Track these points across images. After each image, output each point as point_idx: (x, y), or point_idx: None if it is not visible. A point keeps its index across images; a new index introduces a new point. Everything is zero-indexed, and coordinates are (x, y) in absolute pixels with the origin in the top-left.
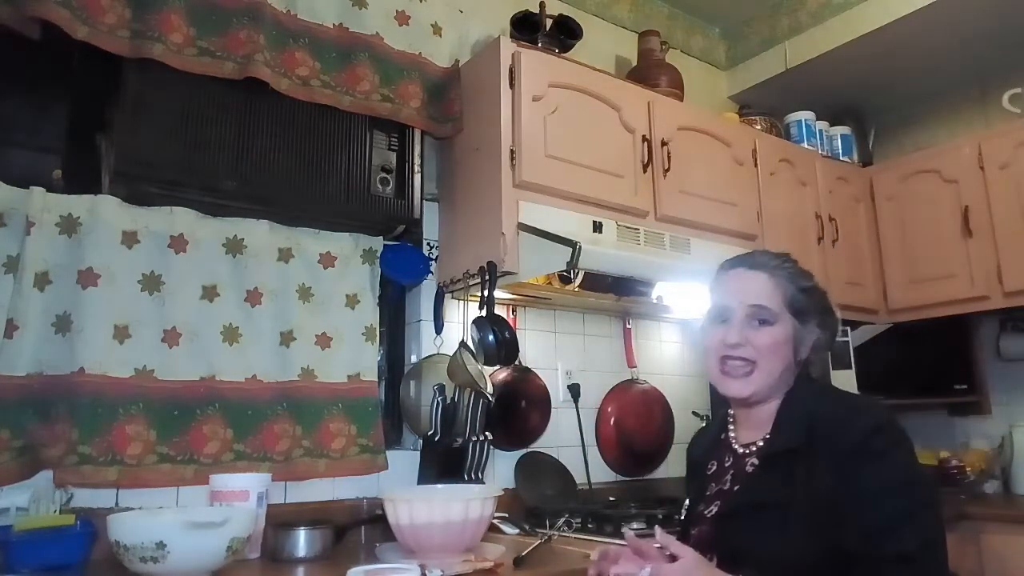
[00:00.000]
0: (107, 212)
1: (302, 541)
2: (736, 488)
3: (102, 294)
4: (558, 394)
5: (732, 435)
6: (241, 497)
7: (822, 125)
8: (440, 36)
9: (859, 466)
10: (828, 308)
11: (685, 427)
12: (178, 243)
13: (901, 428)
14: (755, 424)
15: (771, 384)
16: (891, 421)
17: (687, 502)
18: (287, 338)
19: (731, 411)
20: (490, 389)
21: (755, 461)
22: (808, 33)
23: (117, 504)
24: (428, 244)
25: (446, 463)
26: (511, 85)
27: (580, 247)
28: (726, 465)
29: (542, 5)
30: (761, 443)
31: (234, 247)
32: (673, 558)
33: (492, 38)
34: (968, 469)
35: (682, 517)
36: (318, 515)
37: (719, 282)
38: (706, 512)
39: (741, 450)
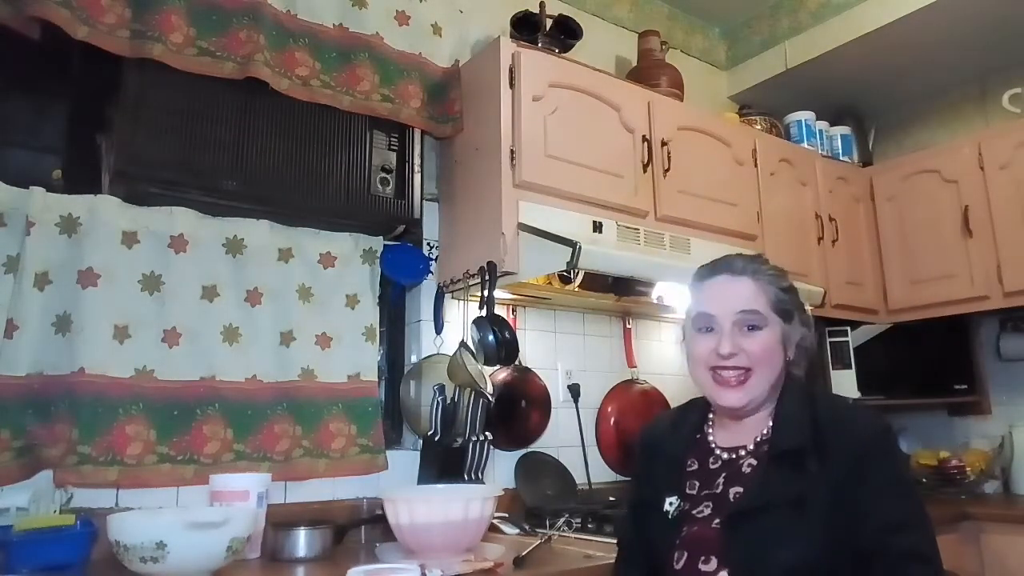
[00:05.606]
0: (107, 212)
1: (302, 541)
2: (737, 490)
3: (102, 294)
4: (558, 394)
5: (711, 437)
6: (241, 497)
7: (822, 125)
8: (440, 36)
9: (872, 465)
10: (803, 305)
11: None
12: (178, 243)
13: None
14: (741, 428)
15: (766, 390)
16: (890, 425)
17: (675, 499)
18: (287, 338)
19: (711, 414)
20: (490, 389)
21: (753, 462)
22: (808, 33)
23: (117, 504)
24: (428, 244)
25: (446, 463)
26: (511, 85)
27: (580, 247)
28: (712, 467)
29: (542, 5)
30: (752, 446)
31: (234, 247)
32: None
33: (492, 38)
34: (968, 469)
35: (669, 514)
36: (318, 515)
37: (700, 290)
38: (696, 512)
39: (727, 455)
